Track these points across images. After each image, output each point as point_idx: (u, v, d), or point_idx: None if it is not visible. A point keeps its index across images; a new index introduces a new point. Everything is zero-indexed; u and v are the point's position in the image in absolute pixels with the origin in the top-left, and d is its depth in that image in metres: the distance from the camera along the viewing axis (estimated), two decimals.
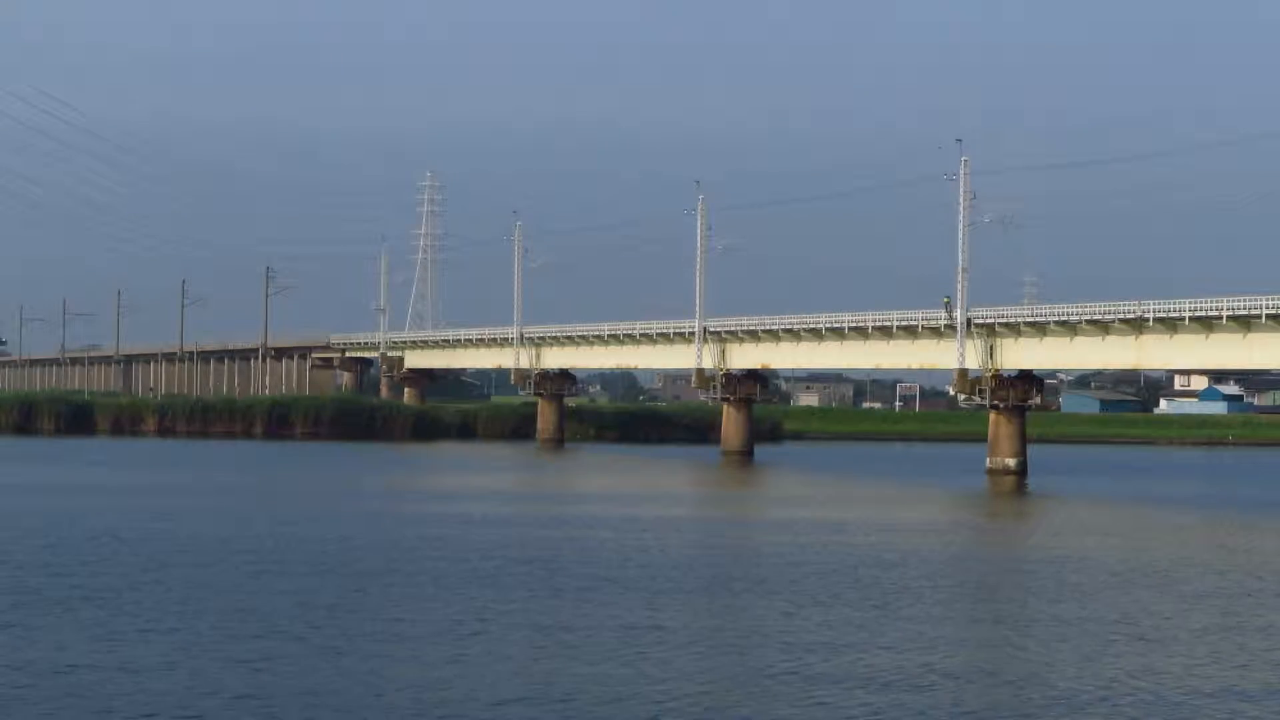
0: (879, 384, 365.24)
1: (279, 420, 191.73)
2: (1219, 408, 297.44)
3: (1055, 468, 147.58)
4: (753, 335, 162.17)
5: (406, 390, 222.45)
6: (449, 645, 40.35)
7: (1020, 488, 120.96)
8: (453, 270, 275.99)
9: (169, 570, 54.46)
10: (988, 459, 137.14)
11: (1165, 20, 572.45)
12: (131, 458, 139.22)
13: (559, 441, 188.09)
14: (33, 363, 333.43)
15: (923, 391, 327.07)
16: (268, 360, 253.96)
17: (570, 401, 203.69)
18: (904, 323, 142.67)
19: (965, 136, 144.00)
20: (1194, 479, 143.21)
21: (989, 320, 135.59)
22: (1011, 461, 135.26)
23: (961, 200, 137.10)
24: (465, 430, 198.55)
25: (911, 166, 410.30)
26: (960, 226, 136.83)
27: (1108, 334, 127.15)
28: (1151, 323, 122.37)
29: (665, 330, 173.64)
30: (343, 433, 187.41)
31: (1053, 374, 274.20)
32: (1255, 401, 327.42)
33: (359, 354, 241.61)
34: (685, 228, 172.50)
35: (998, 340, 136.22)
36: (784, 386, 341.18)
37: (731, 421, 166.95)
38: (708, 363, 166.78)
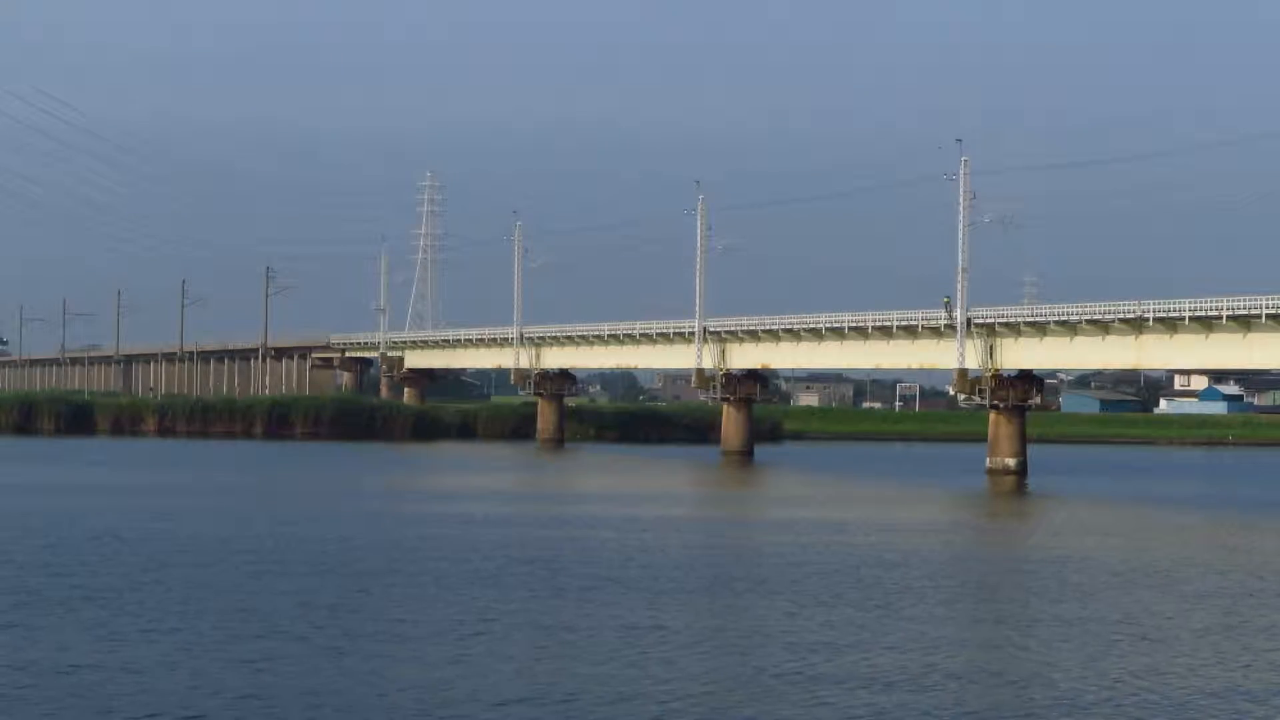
0: (879, 384, 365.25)
1: (279, 420, 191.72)
2: (1219, 408, 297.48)
3: (1055, 468, 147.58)
4: (753, 335, 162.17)
5: (406, 390, 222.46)
6: (451, 645, 40.33)
7: (1020, 488, 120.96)
8: (453, 270, 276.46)
9: (170, 570, 54.42)
10: (988, 459, 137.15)
11: (1165, 20, 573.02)
12: (131, 458, 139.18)
13: (559, 441, 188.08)
14: (33, 363, 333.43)
15: (923, 391, 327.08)
16: (268, 360, 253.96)
17: (570, 401, 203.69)
18: (904, 323, 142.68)
19: (965, 136, 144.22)
20: (1194, 479, 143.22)
21: (989, 320, 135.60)
22: (1011, 461, 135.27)
23: (961, 200, 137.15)
24: (465, 430, 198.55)
25: (911, 166, 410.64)
26: (960, 226, 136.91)
27: (1108, 334, 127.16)
28: (1151, 323, 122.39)
29: (665, 330, 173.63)
30: (343, 433, 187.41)
31: (1053, 374, 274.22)
32: (1255, 401, 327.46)
33: (359, 354, 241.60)
34: (685, 228, 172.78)
35: (998, 340, 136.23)
36: (784, 386, 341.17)
37: (731, 421, 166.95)
38: (708, 363, 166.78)
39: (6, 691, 33.66)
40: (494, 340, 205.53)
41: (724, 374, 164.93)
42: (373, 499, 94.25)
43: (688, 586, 53.52)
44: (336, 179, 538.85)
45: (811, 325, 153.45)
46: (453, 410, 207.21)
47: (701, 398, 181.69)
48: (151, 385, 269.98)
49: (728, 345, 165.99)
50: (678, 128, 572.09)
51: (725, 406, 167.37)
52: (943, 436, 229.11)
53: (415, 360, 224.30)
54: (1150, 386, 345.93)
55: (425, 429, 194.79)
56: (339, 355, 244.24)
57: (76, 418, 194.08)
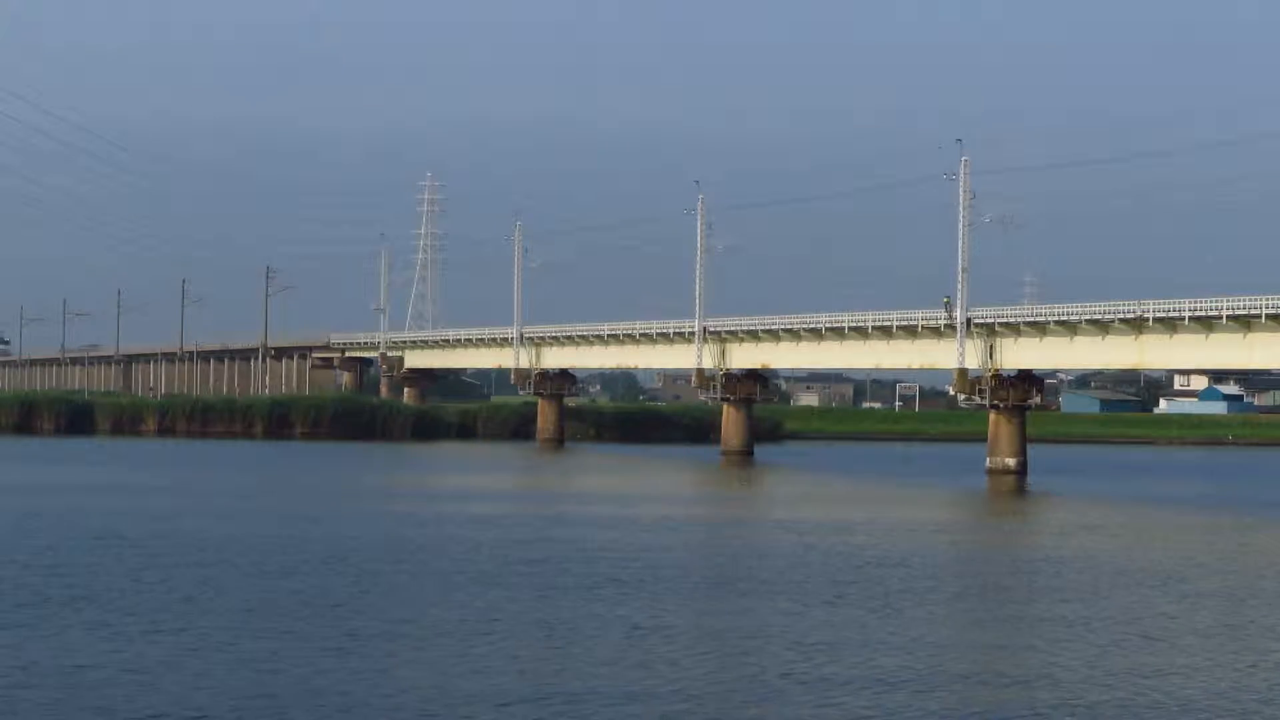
0: (879, 384, 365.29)
1: (279, 420, 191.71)
2: (1219, 408, 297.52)
3: (1055, 468, 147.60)
4: (753, 335, 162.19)
5: (406, 390, 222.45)
6: (455, 645, 40.34)
7: (1020, 487, 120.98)
8: (453, 270, 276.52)
9: (172, 570, 54.42)
10: (988, 459, 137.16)
11: (1166, 20, 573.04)
12: (132, 458, 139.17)
13: (559, 441, 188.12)
14: (33, 363, 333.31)
15: (923, 391, 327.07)
16: (268, 360, 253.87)
17: (570, 401, 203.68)
18: (904, 323, 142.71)
19: (965, 136, 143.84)
20: (1194, 479, 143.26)
21: (989, 320, 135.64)
22: (1011, 461, 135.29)
23: (961, 200, 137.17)
24: (465, 430, 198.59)
25: (911, 166, 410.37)
26: (960, 226, 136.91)
27: (1108, 334, 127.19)
28: (1151, 323, 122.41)
29: (665, 330, 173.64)
30: (343, 433, 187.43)
31: (1053, 374, 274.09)
32: (1255, 401, 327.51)
33: (359, 354, 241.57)
34: (685, 228, 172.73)
35: (998, 340, 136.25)
36: (784, 386, 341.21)
37: (731, 421, 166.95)
38: (708, 363, 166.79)
39: (10, 692, 33.66)
40: (494, 340, 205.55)
41: (724, 374, 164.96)
42: (373, 499, 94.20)
43: (690, 587, 53.54)
44: (336, 179, 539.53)
45: (811, 325, 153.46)
46: (453, 410, 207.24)
47: (701, 398, 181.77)
48: (151, 385, 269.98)
49: (728, 345, 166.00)
50: (678, 128, 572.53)
51: (725, 406, 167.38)
52: (943, 436, 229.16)
53: (415, 360, 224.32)
54: (1150, 386, 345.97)
55: (425, 429, 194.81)
56: (339, 355, 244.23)
57: (76, 418, 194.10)
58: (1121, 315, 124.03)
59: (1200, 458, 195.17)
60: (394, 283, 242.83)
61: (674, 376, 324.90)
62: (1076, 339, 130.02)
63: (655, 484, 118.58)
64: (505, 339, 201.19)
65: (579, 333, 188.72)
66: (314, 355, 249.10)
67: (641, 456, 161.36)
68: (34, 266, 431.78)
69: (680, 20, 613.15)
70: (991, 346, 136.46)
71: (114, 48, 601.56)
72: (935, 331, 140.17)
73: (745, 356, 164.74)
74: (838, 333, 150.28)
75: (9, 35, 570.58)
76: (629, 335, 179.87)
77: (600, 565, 58.43)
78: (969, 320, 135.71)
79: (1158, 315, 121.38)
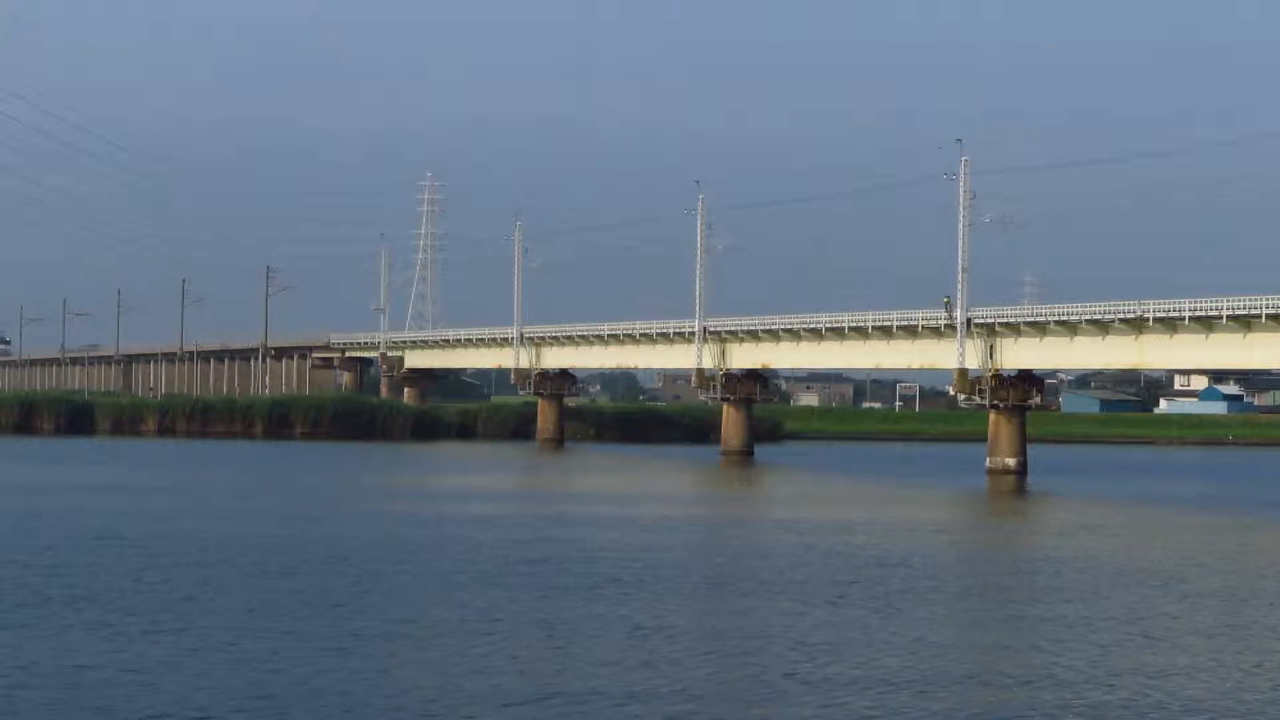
0: (879, 384, 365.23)
1: (279, 420, 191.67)
2: (1219, 408, 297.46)
3: (1055, 467, 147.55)
4: (753, 335, 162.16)
5: (406, 390, 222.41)
6: (456, 645, 40.28)
7: (1020, 488, 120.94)
8: (453, 270, 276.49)
9: (173, 570, 54.37)
10: (988, 459, 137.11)
11: (1166, 20, 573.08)
12: (132, 458, 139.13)
13: (559, 441, 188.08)
14: (33, 363, 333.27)
15: (923, 391, 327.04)
16: (268, 360, 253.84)
17: (570, 401, 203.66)
18: (904, 323, 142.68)
19: (965, 136, 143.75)
20: (1194, 479, 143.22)
21: (989, 320, 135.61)
22: (1011, 461, 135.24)
23: (961, 200, 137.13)
24: (465, 430, 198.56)
25: (911, 166, 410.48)
26: (960, 226, 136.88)
27: (1108, 334, 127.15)
28: (1151, 323, 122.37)
29: (665, 330, 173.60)
30: (343, 433, 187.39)
31: (1053, 374, 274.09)
32: (1255, 401, 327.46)
33: (359, 354, 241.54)
34: (685, 228, 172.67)
35: (998, 340, 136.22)
36: (784, 386, 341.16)
37: (731, 421, 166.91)
38: (708, 363, 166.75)
39: (11, 692, 33.61)
40: (494, 340, 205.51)
41: (724, 374, 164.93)
42: (374, 499, 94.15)
43: (692, 587, 53.49)
44: (336, 179, 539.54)
45: (811, 325, 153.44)
46: (453, 410, 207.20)
47: (701, 398, 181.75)
48: (152, 385, 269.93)
49: (728, 345, 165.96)
50: (678, 128, 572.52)
51: (725, 406, 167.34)
52: (943, 436, 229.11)
53: (415, 360, 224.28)
54: (1150, 386, 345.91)
55: (425, 429, 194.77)
56: (339, 355, 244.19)
57: (76, 418, 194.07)
58: (1121, 315, 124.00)
59: (1200, 458, 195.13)
60: (394, 283, 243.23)
61: (674, 376, 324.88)
62: (1076, 339, 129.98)
63: (655, 484, 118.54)
64: (505, 339, 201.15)
65: (579, 333, 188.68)
66: (314, 355, 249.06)
67: (641, 456, 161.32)
68: (34, 266, 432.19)
69: (680, 20, 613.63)
70: (991, 346, 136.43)
71: (114, 48, 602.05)
72: (935, 331, 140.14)
73: (745, 356, 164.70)
74: (838, 333, 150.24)
75: (9, 35, 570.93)
76: (629, 335, 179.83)
77: (601, 565, 58.39)
78: (969, 320, 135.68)
79: (1158, 315, 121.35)
